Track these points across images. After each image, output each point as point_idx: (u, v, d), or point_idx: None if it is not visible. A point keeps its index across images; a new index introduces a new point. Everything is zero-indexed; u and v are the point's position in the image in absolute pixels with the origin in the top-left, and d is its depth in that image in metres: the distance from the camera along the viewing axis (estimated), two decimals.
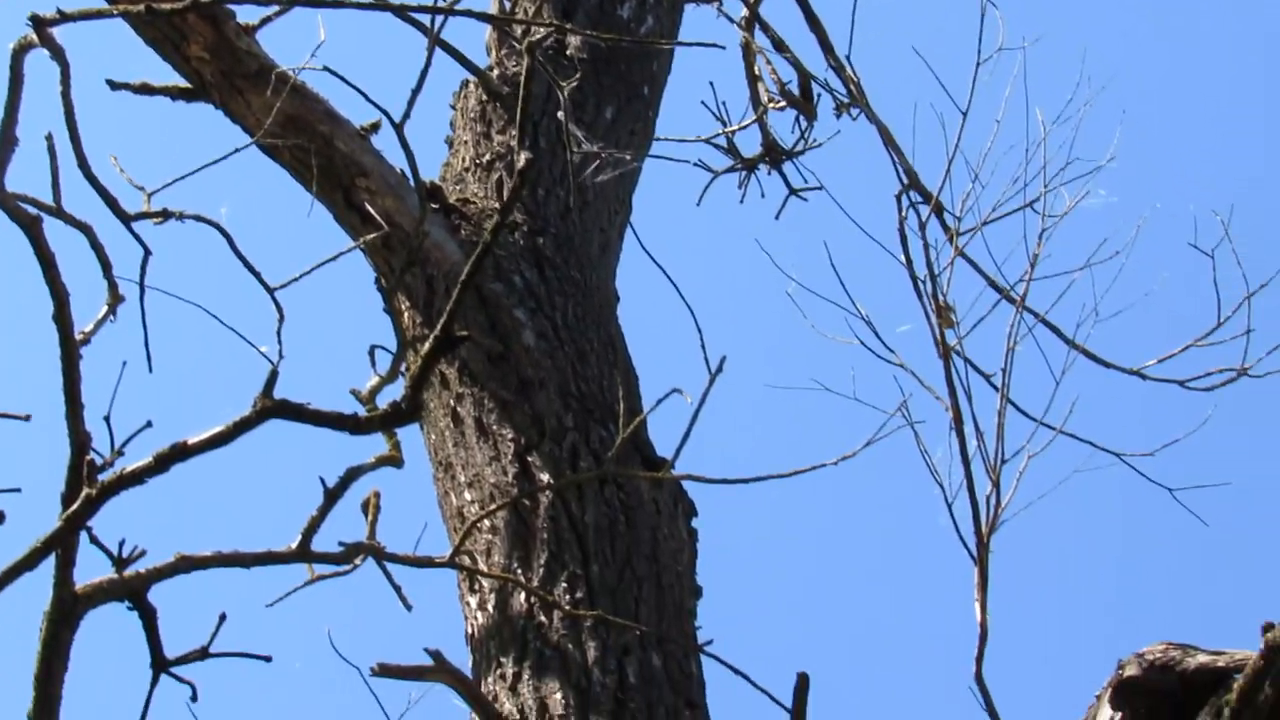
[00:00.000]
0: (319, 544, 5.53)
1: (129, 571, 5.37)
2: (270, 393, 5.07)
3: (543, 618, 5.86)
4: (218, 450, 5.15)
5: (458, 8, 6.44)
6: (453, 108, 7.63)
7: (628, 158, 7.22)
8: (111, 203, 6.36)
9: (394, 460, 6.22)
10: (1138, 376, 7.21)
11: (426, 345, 5.28)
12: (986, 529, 5.83)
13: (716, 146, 8.56)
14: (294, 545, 5.45)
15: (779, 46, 8.51)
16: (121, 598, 5.44)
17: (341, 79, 6.09)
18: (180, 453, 5.02)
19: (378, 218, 6.83)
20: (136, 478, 5.07)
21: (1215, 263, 6.90)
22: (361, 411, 5.43)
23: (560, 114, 6.96)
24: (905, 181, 7.02)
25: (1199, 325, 7.06)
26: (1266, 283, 6.89)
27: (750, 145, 8.72)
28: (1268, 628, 4.40)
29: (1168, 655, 4.82)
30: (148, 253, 6.41)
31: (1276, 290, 6.90)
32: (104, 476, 5.12)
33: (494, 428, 6.36)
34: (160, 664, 5.59)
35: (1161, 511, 7.90)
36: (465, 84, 7.63)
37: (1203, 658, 4.80)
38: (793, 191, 8.72)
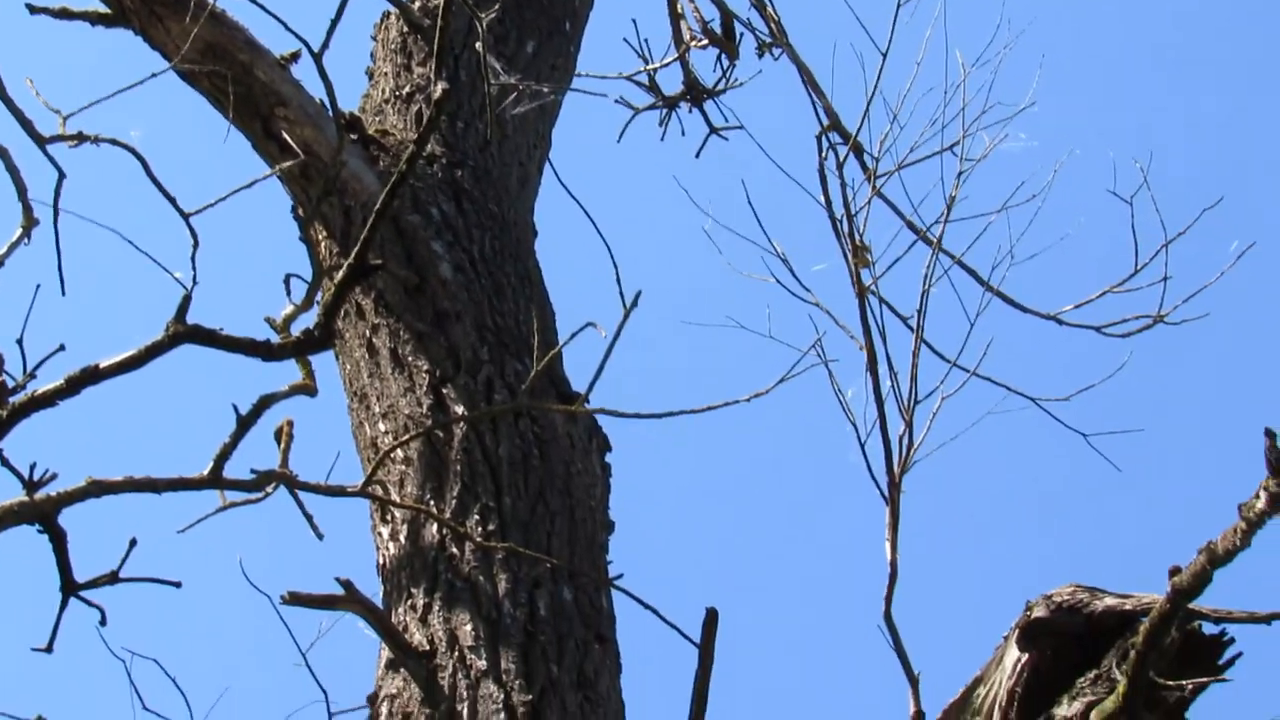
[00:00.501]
0: (231, 471, 5.51)
1: (39, 494, 5.32)
2: (183, 318, 5.03)
3: (454, 549, 5.84)
4: (130, 374, 5.12)
5: None
6: (374, 39, 7.57)
7: (545, 90, 7.19)
8: (27, 125, 6.30)
9: (307, 389, 6.17)
10: (1054, 321, 7.24)
11: (341, 273, 5.24)
12: (899, 468, 5.86)
13: (638, 84, 8.50)
14: (206, 472, 5.42)
15: None
16: (31, 521, 5.40)
17: (261, 7, 6.02)
18: (91, 376, 4.99)
19: (295, 147, 6.78)
20: (48, 400, 5.03)
21: (1134, 210, 6.94)
22: (275, 339, 5.40)
23: (480, 46, 6.91)
24: (825, 122, 7.00)
25: (1116, 271, 7.09)
26: (1184, 230, 6.93)
27: (672, 83, 8.68)
28: (1174, 572, 4.44)
29: (1075, 598, 4.86)
30: (62, 175, 6.36)
31: (1193, 238, 6.94)
32: (15, 399, 5.07)
33: (409, 359, 6.33)
34: (70, 587, 5.55)
35: (1075, 456, 7.96)
36: (386, 16, 7.58)
37: (1110, 600, 4.85)
38: (713, 130, 8.69)
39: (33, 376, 5.28)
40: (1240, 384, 13.39)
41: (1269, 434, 3.98)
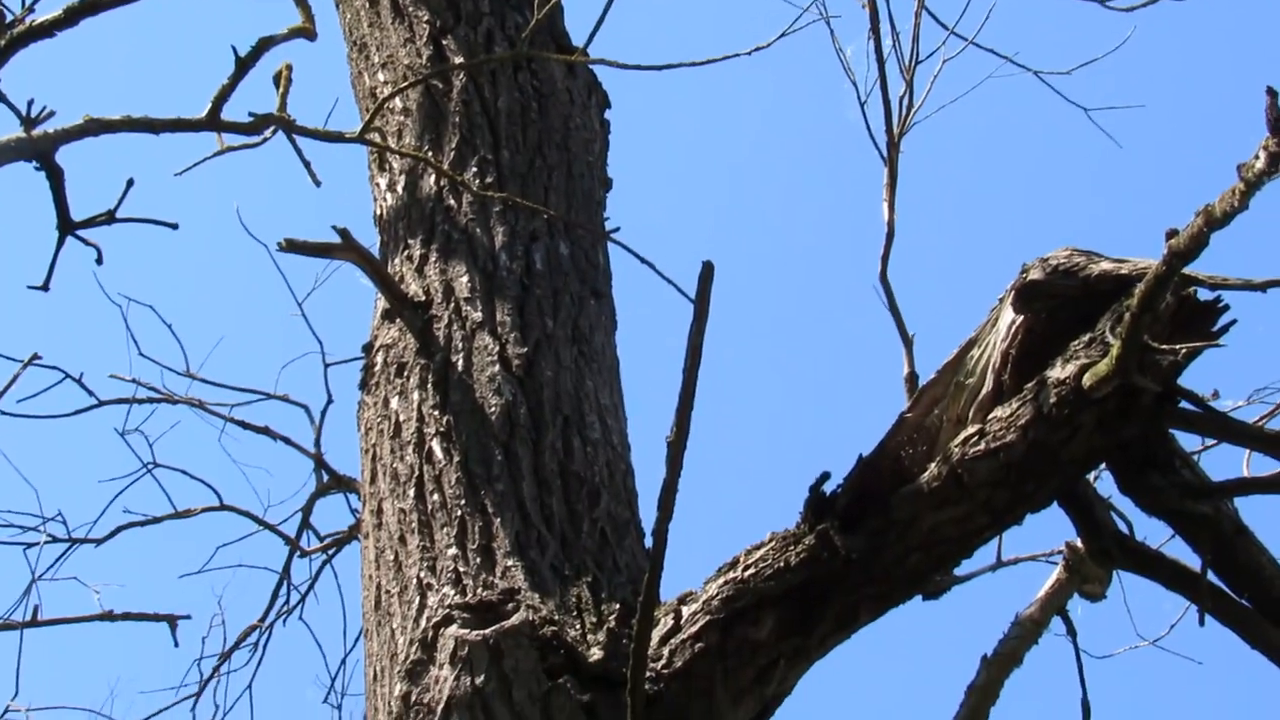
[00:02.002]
0: (229, 115, 5.42)
1: (37, 131, 5.26)
2: None
3: (452, 201, 5.80)
4: (128, 7, 5.02)
5: None
6: None
7: None
8: None
9: (306, 32, 6.05)
10: None
11: None
12: (898, 129, 5.80)
13: None
14: (204, 113, 5.33)
15: None
16: (29, 158, 5.35)
17: None
18: (90, 7, 4.87)
19: None
20: (45, 31, 4.95)
21: None
22: None
23: None
24: None
25: None
26: None
27: None
28: (1170, 234, 4.38)
29: (1072, 260, 4.81)
30: None
31: None
32: (13, 31, 4.96)
33: (409, 9, 6.25)
34: (66, 226, 5.51)
35: (1076, 131, 7.91)
36: None
37: (1106, 265, 4.80)
38: None
39: (31, 10, 5.17)
40: (1244, 60, 13.28)
41: (1270, 92, 3.88)
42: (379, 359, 5.62)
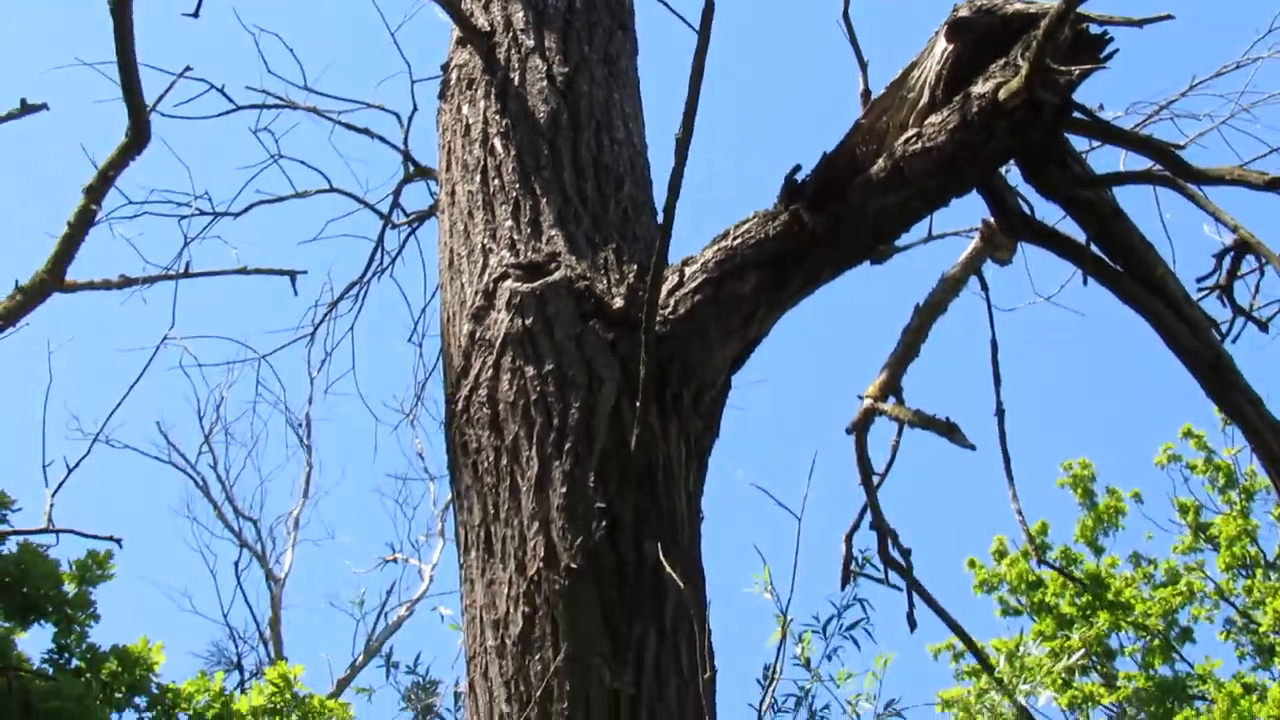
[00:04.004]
0: None
1: None
2: None
3: None
4: None
5: None
6: None
7: None
8: None
9: None
10: None
11: None
12: None
13: None
14: None
15: None
16: None
17: None
18: None
19: None
20: None
21: None
22: None
23: None
24: None
25: None
26: None
27: None
28: None
29: (992, 1, 5.64)
30: None
31: None
32: None
33: None
34: None
35: None
36: None
37: (1019, 4, 5.59)
38: None
39: None
40: None
41: None
42: (453, 76, 6.54)
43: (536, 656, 5.06)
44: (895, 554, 5.82)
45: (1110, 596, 18.11)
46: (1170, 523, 19.43)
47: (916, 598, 5.83)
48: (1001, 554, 18.70)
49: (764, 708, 4.72)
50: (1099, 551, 18.98)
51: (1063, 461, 19.43)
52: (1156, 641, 18.07)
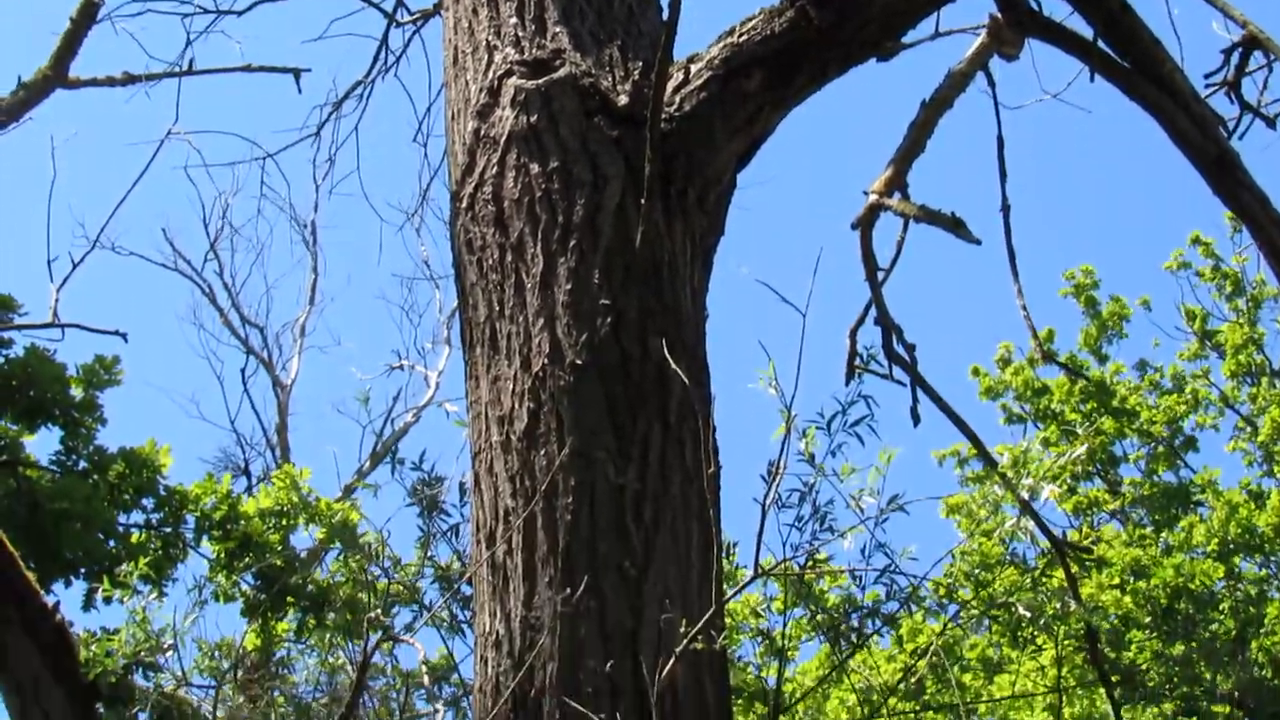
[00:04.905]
0: None
1: None
2: None
3: None
4: None
5: None
6: None
7: None
8: None
9: None
10: None
11: None
12: None
13: None
14: None
15: None
16: None
17: None
18: None
19: None
20: None
21: None
22: None
23: None
24: None
25: None
26: None
27: None
28: None
29: None
30: None
31: None
32: None
33: None
34: None
35: None
36: None
37: None
38: None
39: None
40: None
41: None
42: None
43: (541, 451, 5.13)
44: (900, 349, 5.88)
45: (1115, 404, 18.21)
46: (1176, 330, 19.48)
47: (921, 393, 5.89)
48: (1006, 361, 18.77)
49: (768, 502, 4.79)
50: (1103, 360, 19.04)
51: (1065, 271, 19.42)
52: (1161, 448, 18.19)
